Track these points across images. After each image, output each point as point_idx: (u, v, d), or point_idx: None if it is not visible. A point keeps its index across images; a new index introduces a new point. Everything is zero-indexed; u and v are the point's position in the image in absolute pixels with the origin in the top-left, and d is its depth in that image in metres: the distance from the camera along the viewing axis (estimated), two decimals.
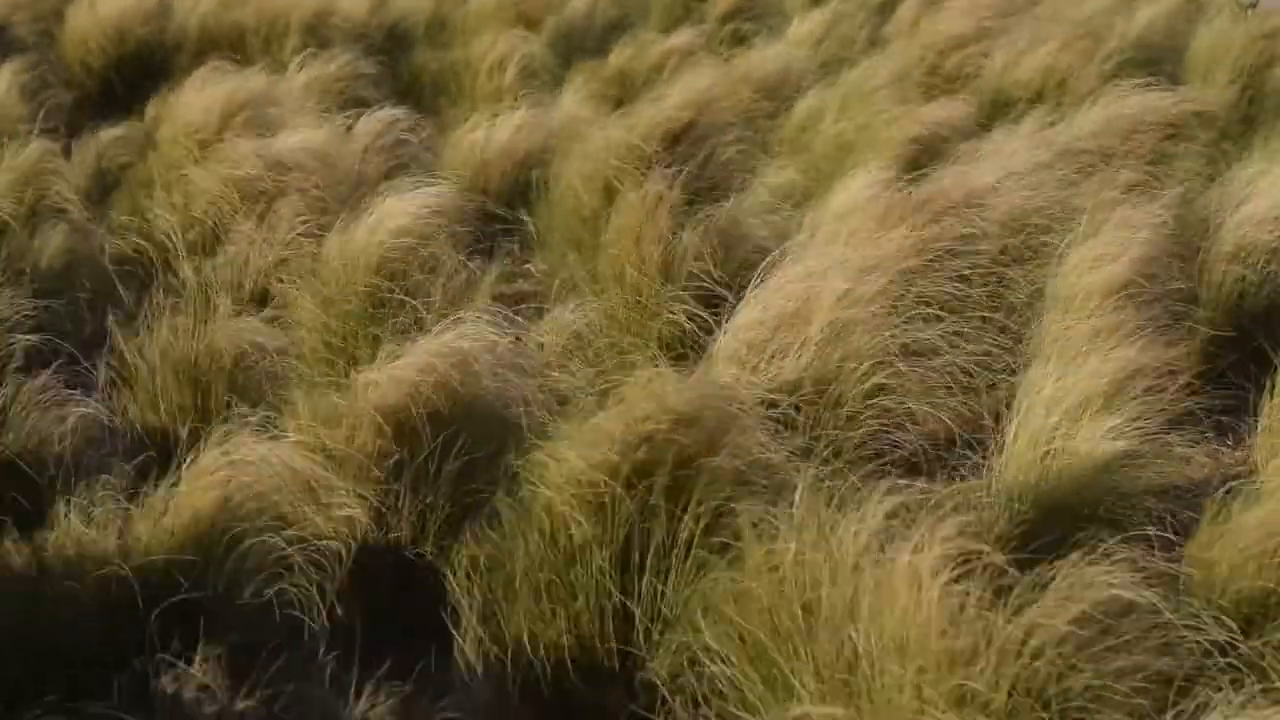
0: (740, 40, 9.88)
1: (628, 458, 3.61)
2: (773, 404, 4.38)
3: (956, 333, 4.87)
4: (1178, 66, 8.68)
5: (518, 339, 4.76)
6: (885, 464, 4.37)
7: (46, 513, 3.73)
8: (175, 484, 3.78)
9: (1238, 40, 8.69)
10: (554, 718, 3.66)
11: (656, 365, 4.19)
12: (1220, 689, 3.19)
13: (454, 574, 3.85)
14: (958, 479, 4.45)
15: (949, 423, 4.65)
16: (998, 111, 7.77)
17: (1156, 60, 8.62)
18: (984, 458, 4.48)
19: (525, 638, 3.68)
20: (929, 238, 5.23)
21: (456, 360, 4.24)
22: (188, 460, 3.83)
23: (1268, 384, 4.75)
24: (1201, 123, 7.19)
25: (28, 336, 4.99)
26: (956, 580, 3.07)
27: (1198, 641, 3.37)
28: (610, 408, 3.81)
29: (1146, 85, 7.30)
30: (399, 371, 4.18)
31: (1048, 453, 4.25)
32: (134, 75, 8.54)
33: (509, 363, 4.46)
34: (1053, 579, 3.14)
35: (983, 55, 8.83)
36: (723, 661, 3.35)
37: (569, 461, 3.67)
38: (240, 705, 3.36)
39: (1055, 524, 3.96)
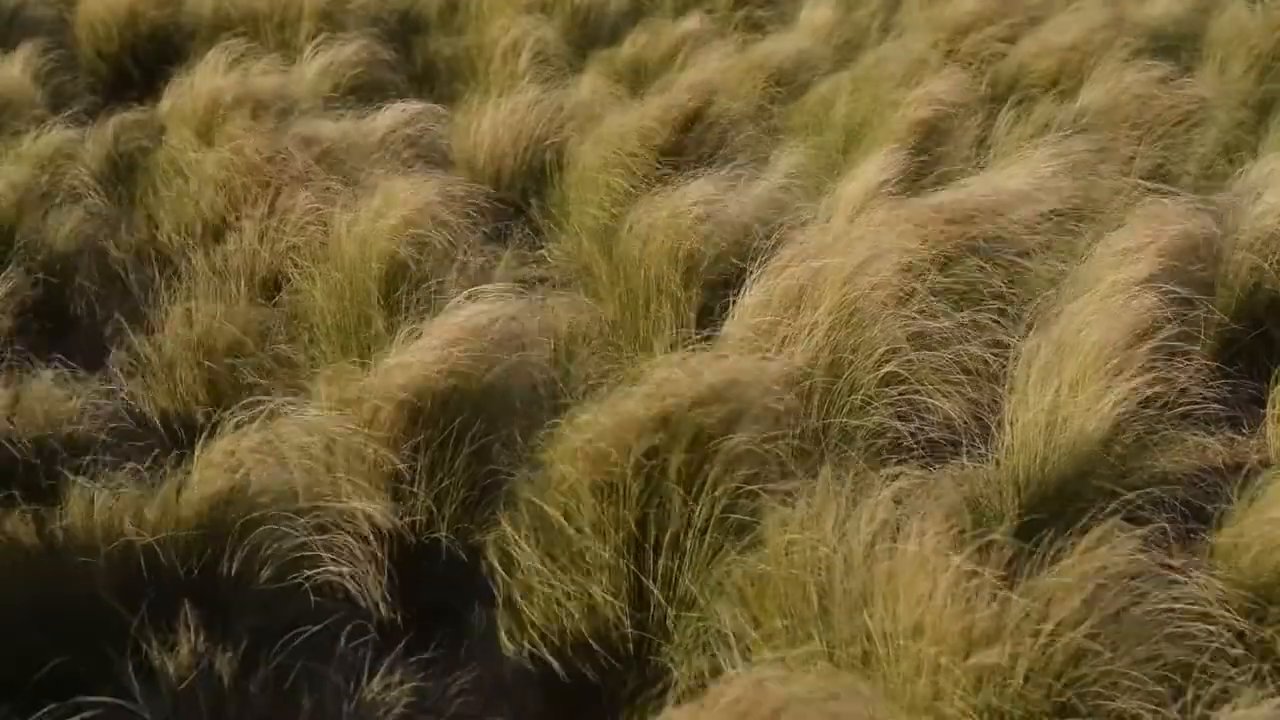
0: (754, 27, 9.87)
1: (644, 437, 3.60)
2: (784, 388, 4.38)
3: (971, 319, 4.86)
4: (1194, 55, 8.66)
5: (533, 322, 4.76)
6: (896, 450, 4.37)
7: (60, 497, 3.73)
8: (189, 468, 3.78)
9: (1254, 29, 8.66)
10: (568, 700, 3.66)
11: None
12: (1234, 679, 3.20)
13: (469, 557, 3.86)
14: (967, 464, 4.45)
15: (959, 410, 4.64)
16: (1011, 95, 7.74)
17: (1173, 49, 8.59)
18: (995, 443, 4.47)
19: (540, 620, 3.69)
20: (940, 223, 5.23)
21: (474, 335, 4.24)
22: (202, 444, 3.83)
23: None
24: (1217, 109, 7.17)
25: (41, 321, 5.01)
26: (969, 562, 3.07)
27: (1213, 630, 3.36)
28: (631, 386, 3.80)
29: (1163, 73, 7.28)
30: (418, 354, 4.18)
31: (1057, 438, 4.25)
32: (148, 59, 8.55)
33: (525, 344, 4.46)
34: (1066, 563, 3.15)
35: (997, 41, 8.81)
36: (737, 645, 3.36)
37: (587, 439, 3.66)
38: (254, 687, 3.36)
39: (1066, 509, 3.96)
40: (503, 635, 3.75)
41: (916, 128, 6.90)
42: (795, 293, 4.64)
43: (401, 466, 4.04)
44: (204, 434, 3.87)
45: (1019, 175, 5.79)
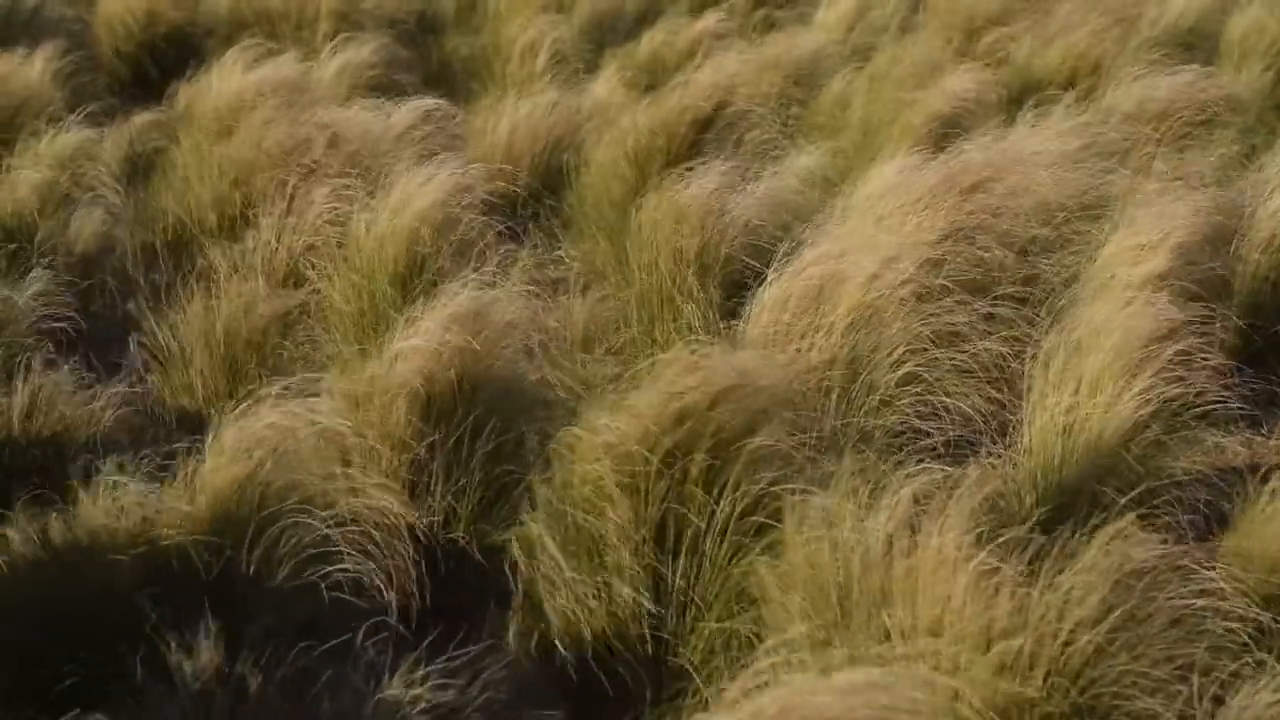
0: (771, 26, 9.87)
1: (665, 436, 3.60)
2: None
3: (989, 315, 4.85)
4: (1211, 54, 8.63)
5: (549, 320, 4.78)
6: (915, 449, 4.36)
7: (77, 494, 3.74)
8: (205, 465, 3.79)
9: (1271, 27, 8.64)
10: (587, 701, 3.67)
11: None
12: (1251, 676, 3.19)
13: (488, 557, 3.86)
14: (986, 464, 4.44)
15: (977, 409, 4.64)
16: (1029, 96, 7.73)
17: (1190, 47, 8.57)
18: (1013, 443, 4.47)
19: (559, 621, 3.69)
20: (959, 223, 5.22)
21: (479, 316, 4.26)
22: (218, 441, 3.83)
23: None
24: (1234, 109, 7.15)
25: (60, 321, 5.03)
26: (988, 561, 3.07)
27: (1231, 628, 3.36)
28: (646, 384, 3.79)
29: (1180, 72, 7.27)
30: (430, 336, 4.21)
31: (1074, 438, 4.24)
32: (166, 60, 8.58)
33: (539, 339, 4.47)
34: (1085, 563, 3.15)
35: (1013, 40, 8.80)
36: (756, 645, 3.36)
37: (604, 438, 3.66)
38: (271, 687, 3.36)
39: (1084, 509, 3.95)
40: (523, 635, 3.75)
41: (935, 128, 6.90)
42: (813, 293, 4.64)
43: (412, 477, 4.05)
44: (220, 430, 3.87)
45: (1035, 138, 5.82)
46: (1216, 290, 5.24)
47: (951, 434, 4.50)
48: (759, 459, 3.63)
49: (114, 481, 3.72)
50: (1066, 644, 3.00)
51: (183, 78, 7.39)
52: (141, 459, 3.92)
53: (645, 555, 3.62)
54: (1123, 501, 3.78)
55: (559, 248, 6.31)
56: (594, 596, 3.65)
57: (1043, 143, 5.90)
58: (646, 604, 3.61)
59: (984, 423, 4.57)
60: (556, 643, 3.69)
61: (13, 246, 5.66)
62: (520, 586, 3.78)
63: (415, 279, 5.13)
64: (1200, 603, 3.28)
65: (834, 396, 4.42)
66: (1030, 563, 3.15)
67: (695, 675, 3.51)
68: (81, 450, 4.21)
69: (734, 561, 3.56)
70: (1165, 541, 3.44)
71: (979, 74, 7.62)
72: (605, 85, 7.98)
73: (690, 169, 5.75)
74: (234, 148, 6.26)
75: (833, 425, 4.32)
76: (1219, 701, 3.15)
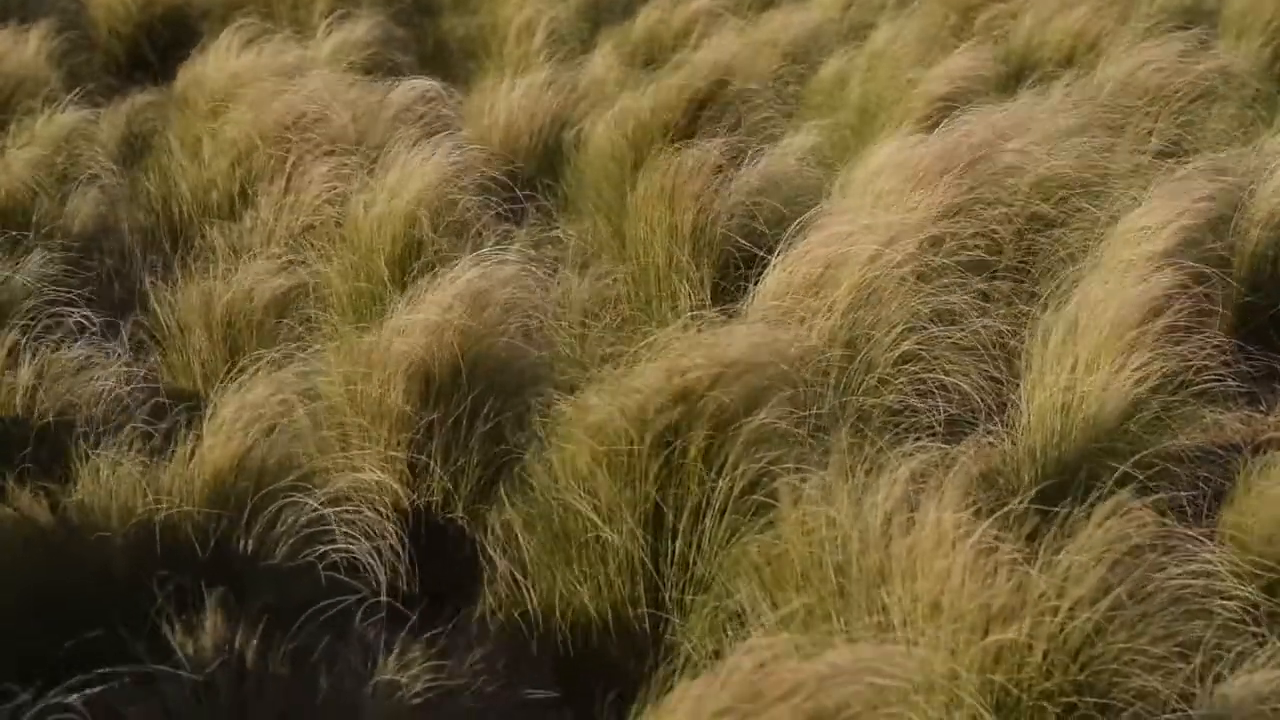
0: (768, 3, 9.84)
1: (661, 414, 3.59)
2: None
3: (986, 295, 4.85)
4: (1211, 30, 8.61)
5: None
6: (913, 428, 4.36)
7: (75, 474, 3.74)
8: (202, 444, 3.78)
9: (1271, 2, 8.62)
10: (583, 680, 3.67)
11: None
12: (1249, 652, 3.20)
13: (485, 536, 3.86)
14: (984, 442, 4.44)
15: (976, 388, 4.63)
16: (1027, 74, 7.71)
17: (1190, 24, 8.55)
18: (1011, 420, 4.47)
19: (556, 601, 3.69)
20: (957, 201, 5.21)
21: (481, 296, 4.25)
22: (215, 421, 3.83)
23: None
24: (1231, 84, 7.14)
25: (58, 303, 5.02)
26: (986, 539, 3.07)
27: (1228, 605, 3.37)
28: (646, 359, 3.78)
29: (1180, 48, 7.25)
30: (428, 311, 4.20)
31: (1073, 415, 4.24)
32: (162, 40, 8.56)
33: (537, 315, 4.47)
34: (1083, 540, 3.15)
35: (1012, 17, 8.78)
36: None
37: (598, 416, 3.66)
38: (269, 664, 3.36)
39: (1083, 486, 3.95)
40: (520, 616, 3.75)
41: (934, 106, 6.88)
42: (814, 273, 4.63)
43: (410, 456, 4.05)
44: (218, 409, 3.87)
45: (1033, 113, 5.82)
46: (1216, 266, 5.24)
47: (950, 412, 4.50)
48: (759, 438, 3.63)
49: (114, 460, 3.72)
50: (1066, 621, 3.00)
51: (180, 58, 7.38)
52: (141, 438, 3.91)
53: (642, 534, 3.62)
54: (1120, 478, 3.78)
55: (557, 227, 6.30)
56: (590, 576, 3.65)
57: (1040, 117, 5.89)
58: (642, 583, 3.62)
59: (982, 400, 4.57)
60: (553, 623, 3.69)
61: (10, 228, 5.65)
62: (516, 567, 3.78)
63: (413, 259, 5.12)
64: (1199, 579, 3.28)
65: (833, 375, 4.41)
66: (1029, 540, 3.15)
67: (693, 654, 3.51)
68: (82, 429, 4.21)
69: (731, 540, 3.56)
70: (1164, 518, 3.44)
71: (978, 52, 7.60)
72: (602, 63, 7.96)
73: (688, 148, 5.73)
74: (231, 128, 6.24)
75: (832, 404, 4.32)
76: (1220, 680, 3.16)
